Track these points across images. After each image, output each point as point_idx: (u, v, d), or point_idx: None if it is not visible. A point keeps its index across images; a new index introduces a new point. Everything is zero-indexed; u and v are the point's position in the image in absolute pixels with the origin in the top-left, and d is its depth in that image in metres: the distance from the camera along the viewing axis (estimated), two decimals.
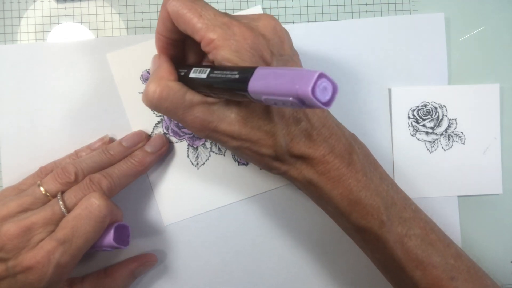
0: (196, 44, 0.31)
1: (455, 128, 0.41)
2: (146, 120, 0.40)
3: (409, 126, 0.41)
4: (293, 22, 0.42)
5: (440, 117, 0.41)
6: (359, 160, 0.33)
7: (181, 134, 0.40)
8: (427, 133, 0.41)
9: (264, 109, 0.31)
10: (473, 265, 0.34)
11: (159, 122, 0.40)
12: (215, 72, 0.29)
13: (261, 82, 0.25)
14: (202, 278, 0.41)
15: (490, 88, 0.42)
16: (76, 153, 0.39)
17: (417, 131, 0.41)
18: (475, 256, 0.37)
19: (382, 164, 0.35)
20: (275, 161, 0.33)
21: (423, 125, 0.41)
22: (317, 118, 0.32)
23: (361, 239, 0.34)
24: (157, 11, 0.41)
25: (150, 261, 0.39)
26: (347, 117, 0.39)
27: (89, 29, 0.41)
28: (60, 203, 0.33)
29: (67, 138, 0.40)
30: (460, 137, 0.41)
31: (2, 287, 0.32)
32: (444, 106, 0.41)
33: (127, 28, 0.41)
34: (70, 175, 0.34)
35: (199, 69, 0.31)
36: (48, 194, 0.34)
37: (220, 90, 0.29)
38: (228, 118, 0.31)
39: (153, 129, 0.40)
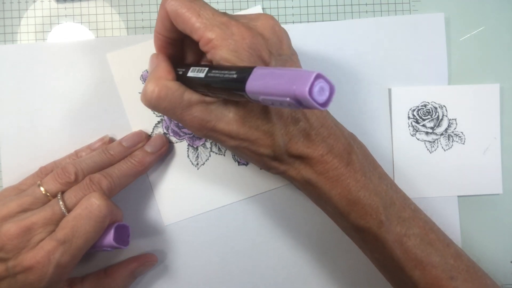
0: (195, 44, 0.31)
1: (455, 128, 0.41)
2: (146, 120, 0.40)
3: (409, 126, 0.41)
4: (293, 22, 0.41)
5: (440, 117, 0.41)
6: (358, 160, 0.33)
7: (181, 134, 0.41)
8: (427, 133, 0.41)
9: (262, 109, 0.31)
10: (473, 265, 0.34)
11: (159, 122, 0.40)
12: (213, 71, 0.29)
13: (259, 82, 0.25)
14: (202, 278, 0.41)
15: (490, 88, 0.41)
16: (76, 153, 0.39)
17: (417, 131, 0.41)
18: (475, 256, 0.37)
19: (382, 164, 0.35)
20: (273, 161, 0.32)
21: (423, 125, 0.41)
22: (316, 118, 0.32)
23: (360, 239, 0.34)
24: (157, 11, 0.41)
25: (150, 261, 0.39)
26: (347, 117, 0.39)
27: (89, 29, 0.41)
28: (60, 203, 0.33)
29: (67, 138, 0.40)
30: (460, 137, 0.41)
31: (2, 287, 0.32)
32: (444, 106, 0.41)
33: (127, 28, 0.41)
34: (70, 175, 0.34)
35: (197, 68, 0.31)
36: (48, 194, 0.34)
37: (218, 89, 0.29)
38: (226, 118, 0.31)
39: (153, 129, 0.40)
